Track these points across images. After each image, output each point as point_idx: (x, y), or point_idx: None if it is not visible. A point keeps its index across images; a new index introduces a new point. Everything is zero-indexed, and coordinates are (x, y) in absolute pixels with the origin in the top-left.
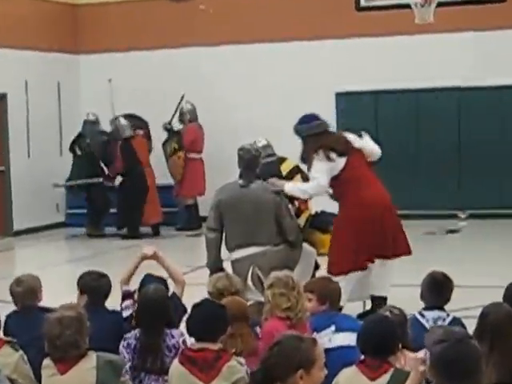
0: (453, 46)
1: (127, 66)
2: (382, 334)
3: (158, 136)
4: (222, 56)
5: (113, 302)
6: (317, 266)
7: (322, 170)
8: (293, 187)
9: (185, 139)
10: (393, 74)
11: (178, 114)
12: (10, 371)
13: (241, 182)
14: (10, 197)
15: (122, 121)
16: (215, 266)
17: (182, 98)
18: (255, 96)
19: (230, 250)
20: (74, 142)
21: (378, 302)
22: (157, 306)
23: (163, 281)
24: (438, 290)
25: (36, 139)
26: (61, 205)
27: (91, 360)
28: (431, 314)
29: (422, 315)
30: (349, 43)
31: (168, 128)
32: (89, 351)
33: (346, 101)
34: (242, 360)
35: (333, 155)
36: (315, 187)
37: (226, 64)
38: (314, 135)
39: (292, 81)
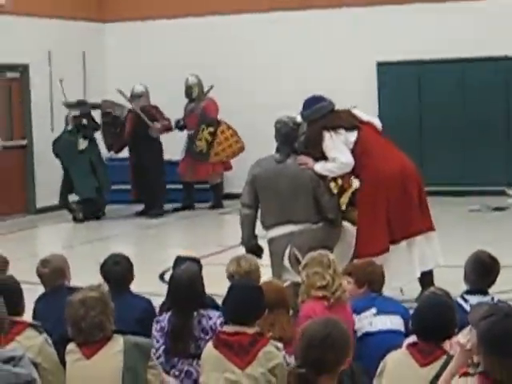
0: (500, 13)
1: (154, 35)
2: (440, 317)
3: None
4: (255, 24)
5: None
6: None
7: (338, 147)
8: (322, 167)
9: (214, 114)
10: (437, 43)
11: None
12: (33, 354)
13: (277, 157)
14: (32, 173)
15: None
16: (250, 244)
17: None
18: (289, 67)
19: (266, 228)
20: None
21: (427, 280)
22: (186, 286)
23: (196, 260)
24: (483, 272)
25: (60, 112)
26: None
27: (118, 343)
28: (474, 299)
29: (465, 300)
30: (390, 10)
31: (180, 125)
32: (115, 334)
33: (388, 71)
34: (280, 345)
35: (340, 131)
36: (338, 166)
37: (258, 33)
38: (317, 119)
39: (329, 50)
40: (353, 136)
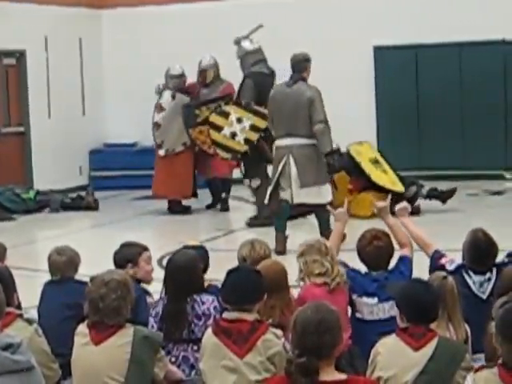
0: None
1: (152, 21)
2: (430, 299)
3: None
4: (253, 10)
5: None
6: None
7: None
8: None
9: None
10: (434, 26)
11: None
12: None
13: (288, 81)
14: (30, 159)
15: None
16: None
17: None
18: (282, 49)
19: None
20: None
21: None
22: (181, 271)
23: (202, 248)
24: (480, 256)
25: (57, 99)
26: (84, 167)
27: (128, 333)
28: (477, 278)
29: (470, 276)
30: None
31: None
32: (127, 323)
33: (384, 55)
34: (280, 332)
35: None
36: None
37: (256, 19)
38: None
39: (325, 33)
40: None
